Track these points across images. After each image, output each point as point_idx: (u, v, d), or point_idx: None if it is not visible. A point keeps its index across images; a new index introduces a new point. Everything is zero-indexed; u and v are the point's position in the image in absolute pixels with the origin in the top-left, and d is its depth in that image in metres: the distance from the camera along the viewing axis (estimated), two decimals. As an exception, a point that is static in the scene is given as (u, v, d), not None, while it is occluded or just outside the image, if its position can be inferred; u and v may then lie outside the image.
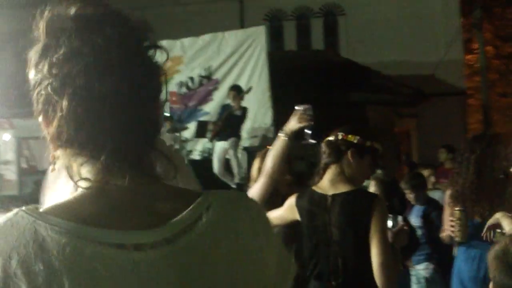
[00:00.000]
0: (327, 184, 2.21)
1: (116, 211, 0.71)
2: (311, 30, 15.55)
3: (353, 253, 2.12)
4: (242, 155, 7.89)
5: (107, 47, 0.71)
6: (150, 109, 0.75)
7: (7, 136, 9.09)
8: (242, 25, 12.92)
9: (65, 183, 1.19)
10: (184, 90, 9.36)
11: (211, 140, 8.10)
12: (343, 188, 2.18)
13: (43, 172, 1.08)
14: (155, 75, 0.76)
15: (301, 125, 2.29)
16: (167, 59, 0.80)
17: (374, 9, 14.11)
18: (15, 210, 0.68)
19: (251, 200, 0.81)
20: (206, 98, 9.26)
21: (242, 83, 8.80)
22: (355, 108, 12.76)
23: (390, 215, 2.43)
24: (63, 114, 0.71)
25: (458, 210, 2.86)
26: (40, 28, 0.74)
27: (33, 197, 1.10)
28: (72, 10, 0.73)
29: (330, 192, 2.19)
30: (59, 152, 0.76)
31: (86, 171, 0.74)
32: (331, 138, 2.27)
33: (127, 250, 0.67)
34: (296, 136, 2.31)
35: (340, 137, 2.24)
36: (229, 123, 7.74)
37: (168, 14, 14.44)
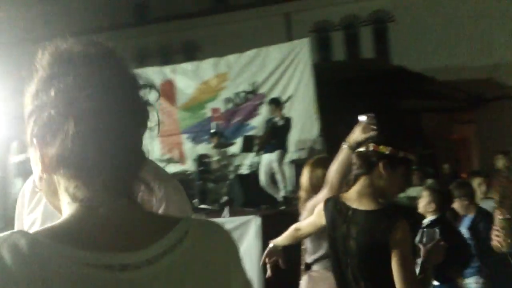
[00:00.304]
0: (353, 195, 2.13)
1: (105, 233, 0.76)
2: (359, 38, 15.35)
3: (371, 272, 2.03)
4: (289, 168, 7.84)
5: (114, 75, 0.77)
6: (141, 139, 0.81)
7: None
8: (290, 39, 12.90)
9: (43, 205, 1.22)
10: (230, 106, 9.48)
11: (258, 153, 8.12)
12: (367, 204, 2.09)
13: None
14: (147, 109, 0.82)
15: (366, 135, 2.24)
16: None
17: (425, 14, 13.72)
18: (7, 233, 0.72)
19: (222, 226, 0.88)
20: (252, 113, 9.34)
21: (288, 96, 8.79)
22: (409, 116, 12.40)
23: (425, 229, 2.28)
24: (68, 136, 0.73)
25: (502, 218, 2.74)
26: (44, 59, 0.78)
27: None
28: (78, 46, 0.79)
29: (354, 204, 2.11)
30: (45, 175, 0.80)
31: (79, 193, 0.77)
32: (362, 149, 2.17)
33: (113, 271, 0.72)
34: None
35: (371, 148, 2.13)
36: (273, 134, 7.73)
37: (215, 33, 14.75)
